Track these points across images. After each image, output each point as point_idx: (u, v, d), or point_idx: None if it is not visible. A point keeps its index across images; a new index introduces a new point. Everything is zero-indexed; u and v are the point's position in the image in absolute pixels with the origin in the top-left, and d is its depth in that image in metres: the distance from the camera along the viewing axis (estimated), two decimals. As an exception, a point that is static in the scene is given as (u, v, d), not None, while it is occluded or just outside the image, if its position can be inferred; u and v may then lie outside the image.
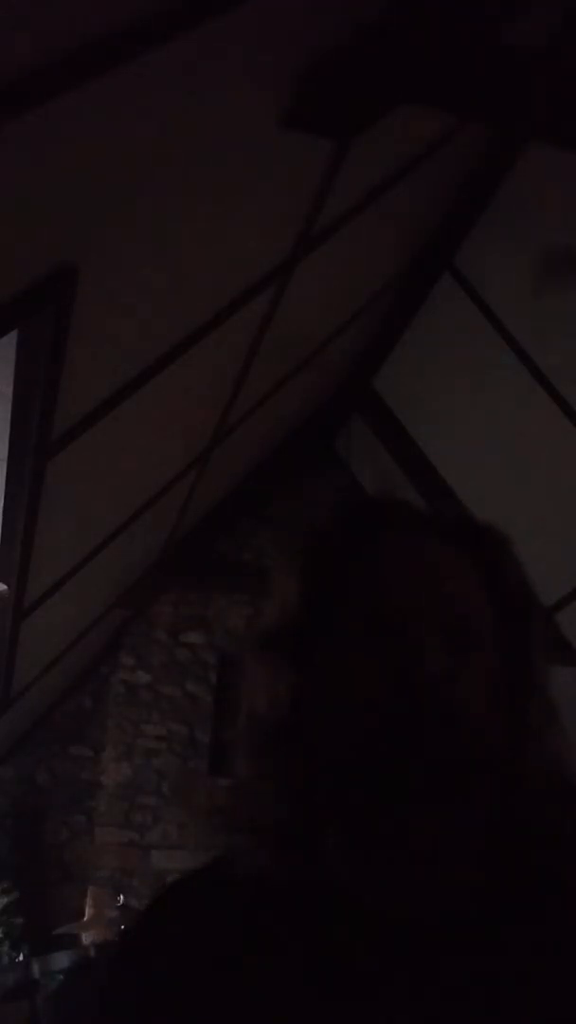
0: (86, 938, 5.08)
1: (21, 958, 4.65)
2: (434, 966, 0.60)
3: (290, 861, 0.65)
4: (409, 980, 0.60)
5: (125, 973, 0.71)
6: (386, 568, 0.69)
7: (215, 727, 6.08)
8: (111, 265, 2.22)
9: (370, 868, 0.64)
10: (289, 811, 0.65)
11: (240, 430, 4.55)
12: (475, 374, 4.82)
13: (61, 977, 4.10)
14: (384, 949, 0.61)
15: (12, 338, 2.07)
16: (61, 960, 4.22)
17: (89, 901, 5.70)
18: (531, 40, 2.70)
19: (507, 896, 0.63)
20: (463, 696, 0.64)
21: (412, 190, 3.71)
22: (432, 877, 0.63)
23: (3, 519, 2.86)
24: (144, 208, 2.15)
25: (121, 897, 5.06)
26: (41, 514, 2.88)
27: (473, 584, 0.70)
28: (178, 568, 6.13)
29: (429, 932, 0.61)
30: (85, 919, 5.48)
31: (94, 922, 5.24)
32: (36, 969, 4.15)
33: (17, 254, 1.85)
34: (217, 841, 0.71)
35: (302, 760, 0.65)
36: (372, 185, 3.35)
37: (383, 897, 0.63)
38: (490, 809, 0.64)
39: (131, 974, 0.70)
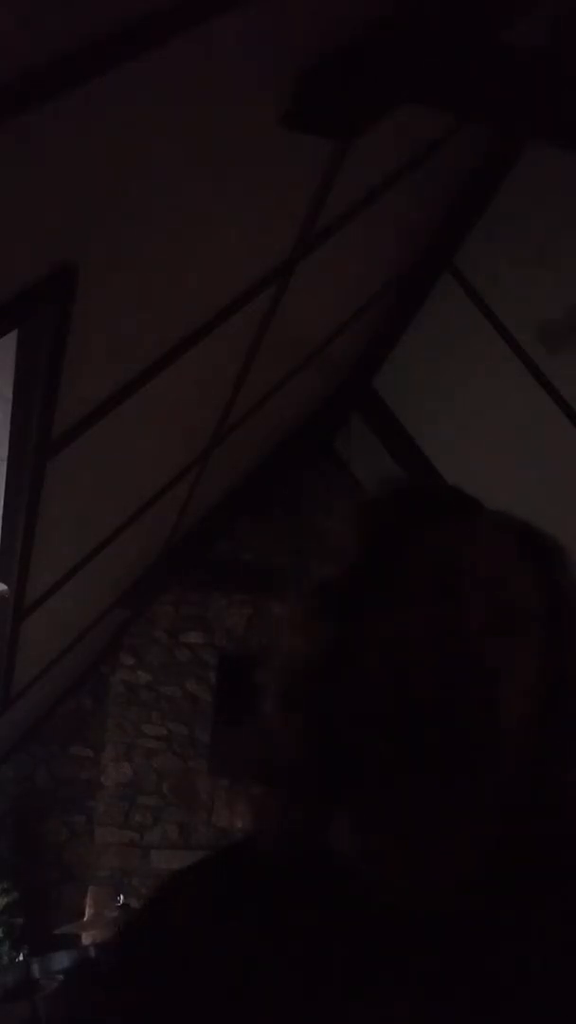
0: (86, 938, 5.09)
1: (21, 958, 4.65)
2: (430, 959, 0.60)
3: (297, 827, 0.65)
4: (404, 973, 0.60)
5: (125, 970, 0.71)
6: (453, 540, 0.70)
7: (215, 727, 6.08)
8: (111, 265, 2.22)
9: (372, 847, 0.64)
10: (307, 760, 0.66)
11: (240, 430, 4.55)
12: (475, 374, 4.82)
13: (61, 977, 4.10)
14: (382, 938, 0.61)
15: (12, 338, 2.07)
16: (61, 960, 4.22)
17: (89, 901, 5.71)
18: (531, 40, 2.71)
19: (511, 888, 0.63)
20: (499, 677, 0.64)
21: (412, 190, 3.71)
22: (432, 860, 0.62)
23: (3, 519, 2.86)
24: (144, 208, 2.15)
25: (121, 897, 5.06)
26: (41, 514, 2.88)
27: (530, 579, 0.70)
28: (178, 568, 6.13)
29: (427, 922, 0.61)
30: (85, 919, 5.49)
31: (94, 922, 5.25)
32: (36, 969, 4.15)
33: (17, 254, 1.85)
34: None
35: (330, 708, 0.65)
36: (372, 185, 3.35)
37: (382, 879, 0.63)
38: (505, 800, 0.64)
39: (132, 969, 0.70)
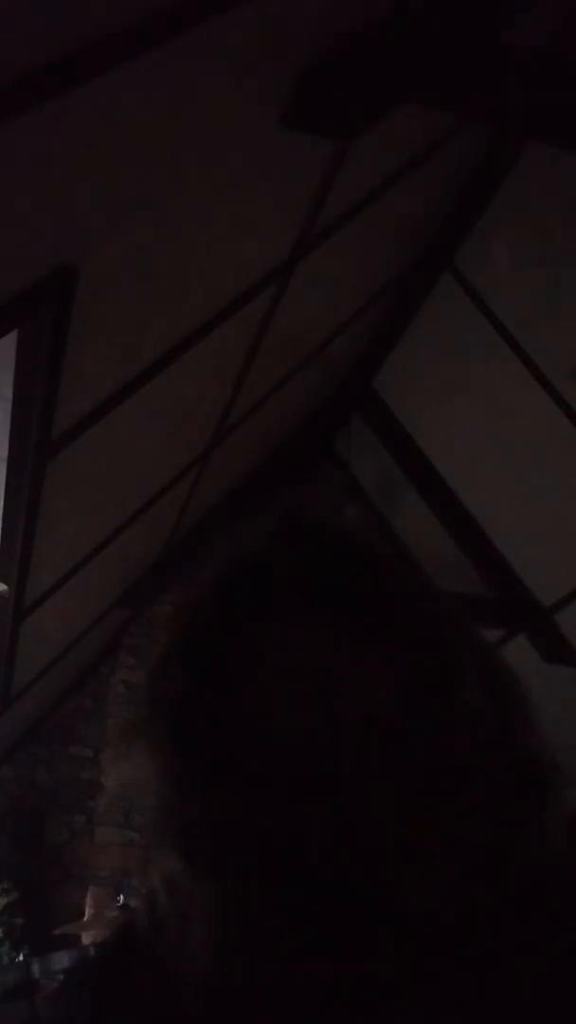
0: (86, 938, 5.09)
1: (21, 958, 4.65)
2: None
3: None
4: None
5: (121, 972, 0.71)
6: (315, 675, 0.58)
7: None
8: (111, 265, 2.22)
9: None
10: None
11: (240, 430, 4.55)
12: (475, 374, 4.82)
13: (61, 977, 4.10)
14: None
15: (12, 338, 2.07)
16: (61, 960, 4.22)
17: (89, 901, 5.71)
18: (531, 40, 2.71)
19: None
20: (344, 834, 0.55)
21: (412, 190, 3.71)
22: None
23: (3, 519, 2.86)
24: (144, 208, 2.15)
25: (121, 897, 5.06)
26: (41, 514, 2.88)
27: (385, 676, 0.58)
28: (178, 568, 6.13)
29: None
30: (85, 919, 5.48)
31: (94, 922, 5.24)
32: (36, 969, 4.15)
33: (17, 254, 1.85)
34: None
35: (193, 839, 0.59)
36: (372, 185, 3.35)
37: None
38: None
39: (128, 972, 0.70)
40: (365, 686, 0.58)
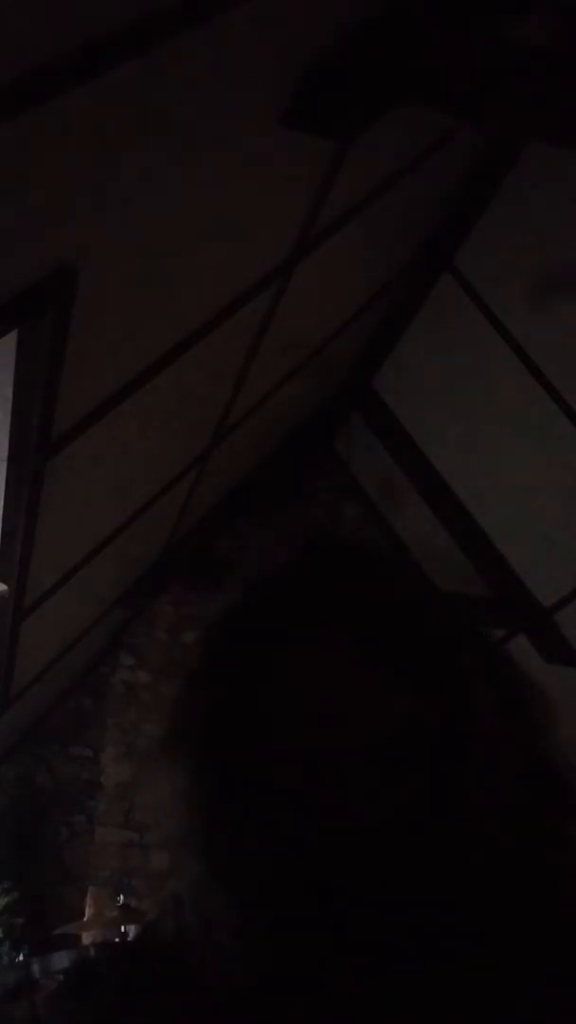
0: (86, 938, 5.09)
1: (21, 958, 4.65)
2: None
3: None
4: None
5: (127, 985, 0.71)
6: (291, 693, 0.61)
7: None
8: (111, 266, 2.22)
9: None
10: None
11: (240, 430, 4.55)
12: (475, 374, 4.82)
13: (61, 977, 4.10)
14: None
15: (12, 338, 2.07)
16: (61, 960, 4.22)
17: (89, 901, 5.70)
18: (531, 40, 2.70)
19: None
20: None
21: (412, 190, 3.71)
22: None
23: (3, 519, 2.86)
24: (144, 208, 2.15)
25: (121, 897, 5.06)
26: (41, 514, 2.87)
27: (408, 693, 0.60)
28: (178, 568, 6.13)
29: None
30: (85, 919, 5.48)
31: (94, 922, 5.24)
32: (36, 969, 4.15)
33: (17, 254, 1.85)
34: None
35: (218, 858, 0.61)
36: (372, 185, 3.35)
37: None
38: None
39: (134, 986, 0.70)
40: (381, 701, 0.60)
